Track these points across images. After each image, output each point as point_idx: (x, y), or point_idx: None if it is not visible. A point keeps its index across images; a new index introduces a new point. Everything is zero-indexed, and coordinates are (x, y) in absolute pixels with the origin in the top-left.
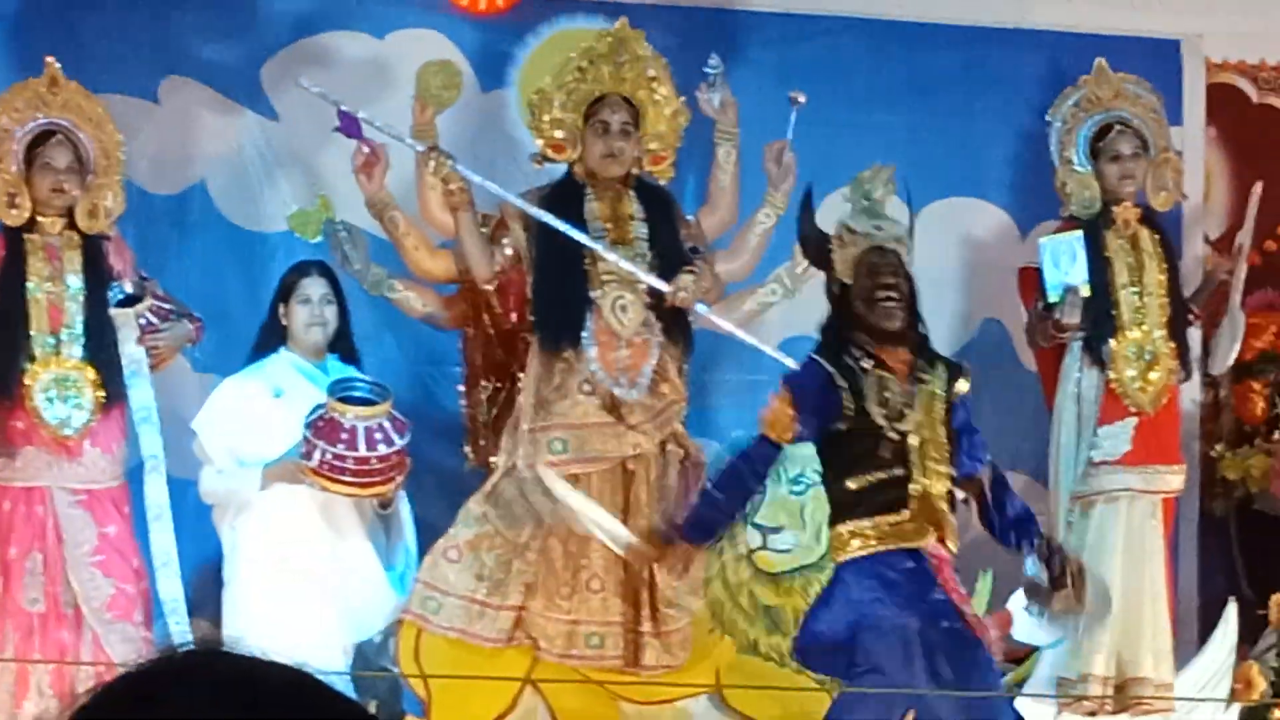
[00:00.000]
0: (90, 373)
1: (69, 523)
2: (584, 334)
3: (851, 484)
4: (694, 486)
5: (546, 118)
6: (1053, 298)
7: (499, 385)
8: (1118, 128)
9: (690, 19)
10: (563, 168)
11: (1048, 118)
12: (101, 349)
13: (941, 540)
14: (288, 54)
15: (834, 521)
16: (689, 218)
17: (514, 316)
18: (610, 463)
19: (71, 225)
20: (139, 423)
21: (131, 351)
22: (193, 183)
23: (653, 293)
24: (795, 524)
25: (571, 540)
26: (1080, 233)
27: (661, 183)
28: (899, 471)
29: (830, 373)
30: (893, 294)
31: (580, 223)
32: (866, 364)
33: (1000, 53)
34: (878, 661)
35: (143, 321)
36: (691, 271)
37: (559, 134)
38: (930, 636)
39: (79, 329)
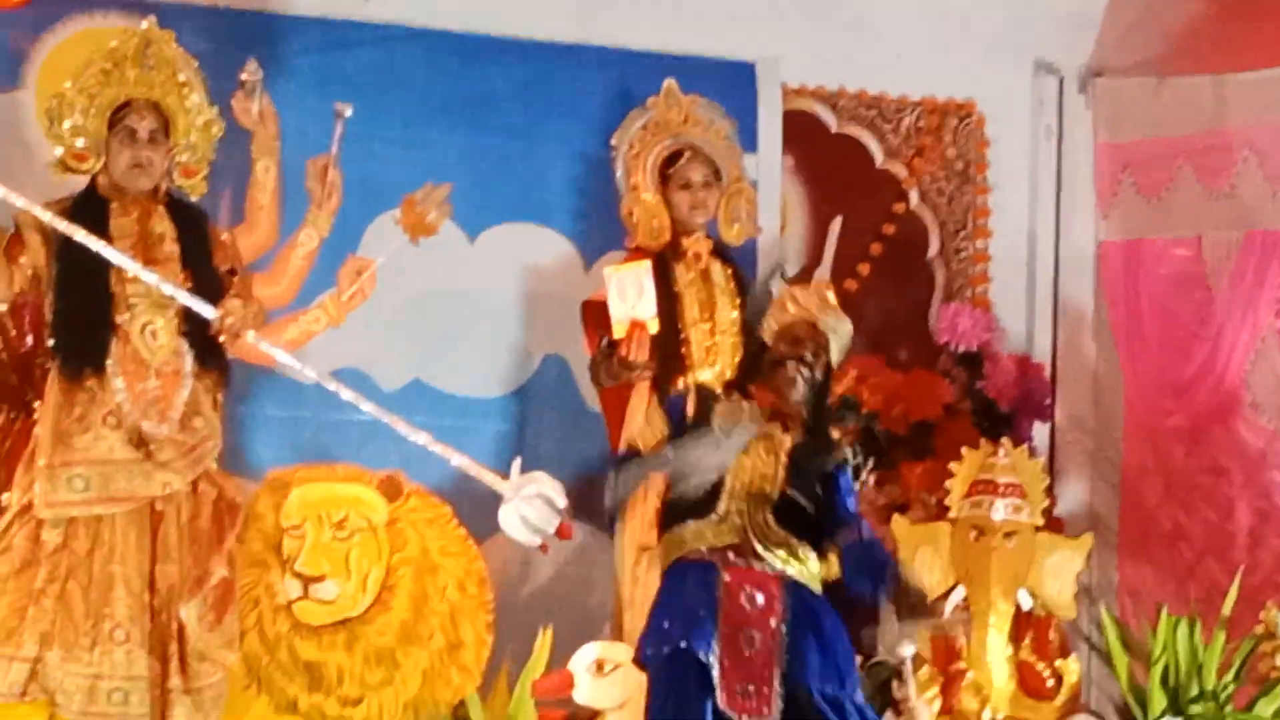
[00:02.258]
0: None
1: None
2: (109, 361)
3: None
4: (229, 529)
5: (67, 124)
6: (618, 333)
7: (12, 415)
8: (688, 154)
9: (226, 21)
10: (85, 179)
11: (613, 141)
12: None
13: None
14: None
15: None
16: (224, 236)
17: (30, 340)
18: (137, 503)
19: None
20: None
21: None
22: None
23: (187, 318)
24: (340, 572)
25: (94, 587)
26: (648, 264)
27: (194, 198)
28: None
29: None
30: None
31: (105, 239)
32: None
33: (563, 70)
34: None
35: None
36: (239, 296)
37: (80, 142)
38: None
39: None
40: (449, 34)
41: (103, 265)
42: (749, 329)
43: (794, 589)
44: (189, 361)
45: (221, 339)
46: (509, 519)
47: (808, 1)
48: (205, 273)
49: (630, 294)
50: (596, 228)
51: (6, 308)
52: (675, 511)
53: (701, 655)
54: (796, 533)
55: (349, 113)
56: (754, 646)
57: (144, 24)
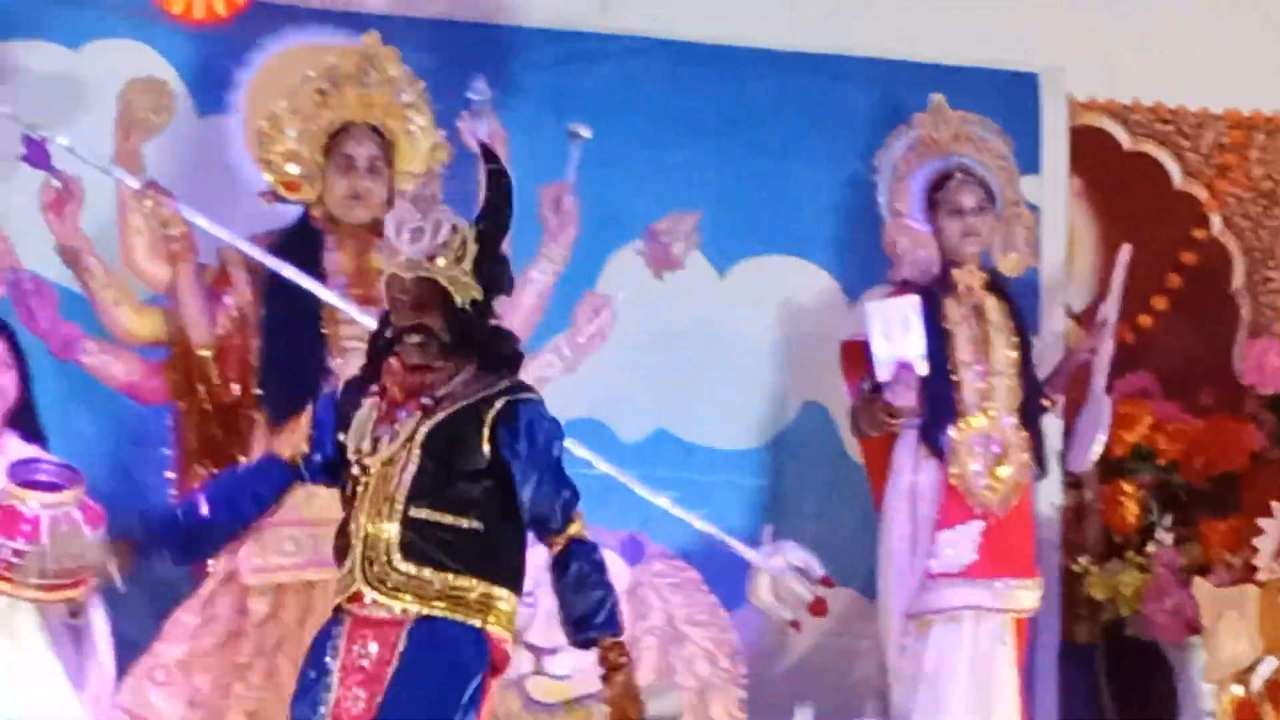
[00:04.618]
0: None
1: None
2: None
3: None
4: None
5: (278, 149)
6: (882, 376)
7: (216, 471)
8: (958, 176)
9: (451, 35)
10: (297, 210)
11: (874, 162)
12: None
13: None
14: None
15: None
16: None
17: (236, 388)
18: None
19: None
20: None
21: None
22: None
23: None
24: None
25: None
26: (915, 299)
27: None
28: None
29: None
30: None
31: (318, 276)
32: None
33: (822, 84)
34: None
35: None
36: None
37: (293, 169)
38: None
39: None
40: (695, 45)
41: (315, 305)
42: (1028, 370)
43: None
44: None
45: None
46: (759, 592)
47: (1096, 5)
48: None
49: (895, 333)
50: (859, 259)
51: (211, 353)
52: None
53: None
54: None
55: (586, 134)
56: None
57: (364, 40)
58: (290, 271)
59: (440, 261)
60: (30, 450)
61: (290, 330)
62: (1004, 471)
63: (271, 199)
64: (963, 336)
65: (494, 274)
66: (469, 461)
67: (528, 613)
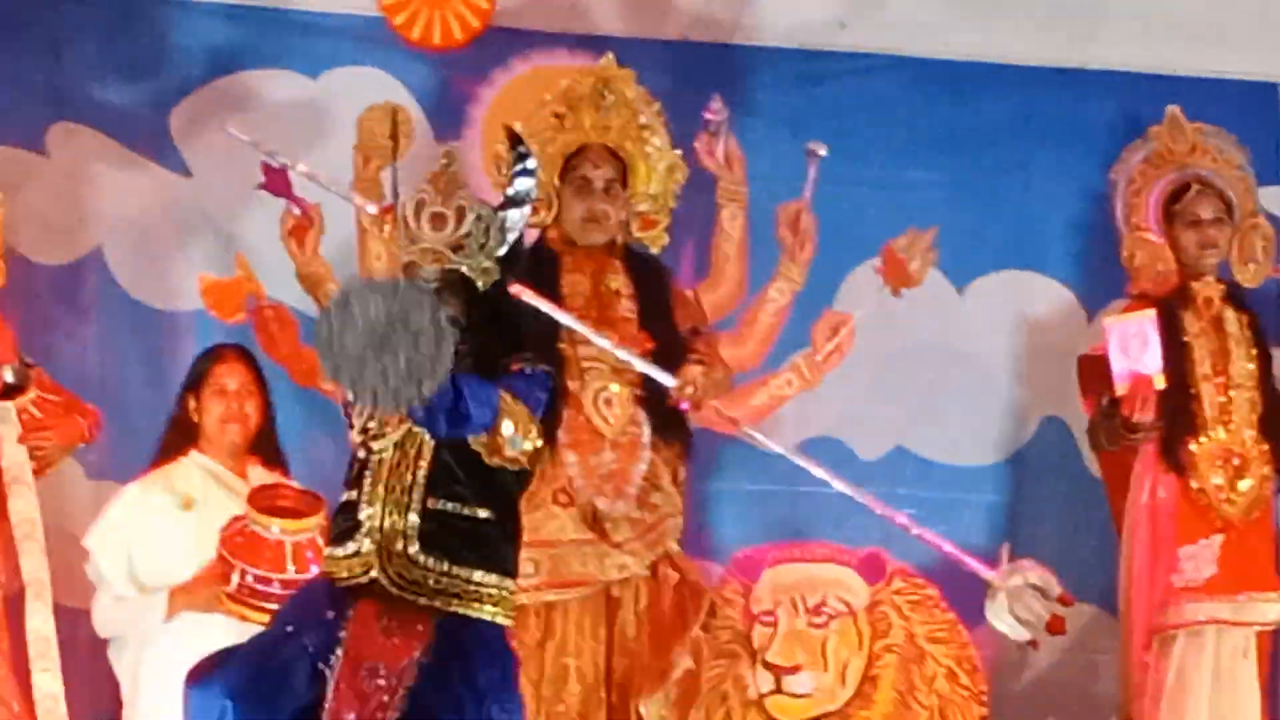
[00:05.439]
0: None
1: None
2: (560, 432)
3: None
4: (693, 617)
5: None
6: (1121, 391)
7: None
8: (1195, 187)
9: (687, 55)
10: (534, 232)
11: (1111, 176)
12: None
13: None
14: (202, 96)
15: None
16: (687, 293)
17: None
18: (591, 588)
19: None
20: (20, 539)
21: (11, 453)
22: (87, 250)
23: (643, 384)
24: (816, 663)
25: (545, 682)
26: (1153, 313)
27: (654, 251)
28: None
29: None
30: None
31: (555, 298)
32: None
33: (1059, 98)
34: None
35: (25, 417)
36: (701, 362)
37: None
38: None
39: None
40: (933, 61)
41: (553, 327)
42: (1268, 382)
43: None
44: (647, 432)
45: (683, 408)
46: (996, 612)
47: None
48: (665, 334)
49: (1133, 346)
50: (1098, 273)
51: None
52: None
53: None
54: None
55: (824, 152)
56: None
57: (600, 62)
58: (528, 294)
59: (463, 251)
60: (272, 476)
61: (529, 352)
62: (1244, 485)
63: None
64: (1201, 349)
65: (510, 256)
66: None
67: (767, 632)
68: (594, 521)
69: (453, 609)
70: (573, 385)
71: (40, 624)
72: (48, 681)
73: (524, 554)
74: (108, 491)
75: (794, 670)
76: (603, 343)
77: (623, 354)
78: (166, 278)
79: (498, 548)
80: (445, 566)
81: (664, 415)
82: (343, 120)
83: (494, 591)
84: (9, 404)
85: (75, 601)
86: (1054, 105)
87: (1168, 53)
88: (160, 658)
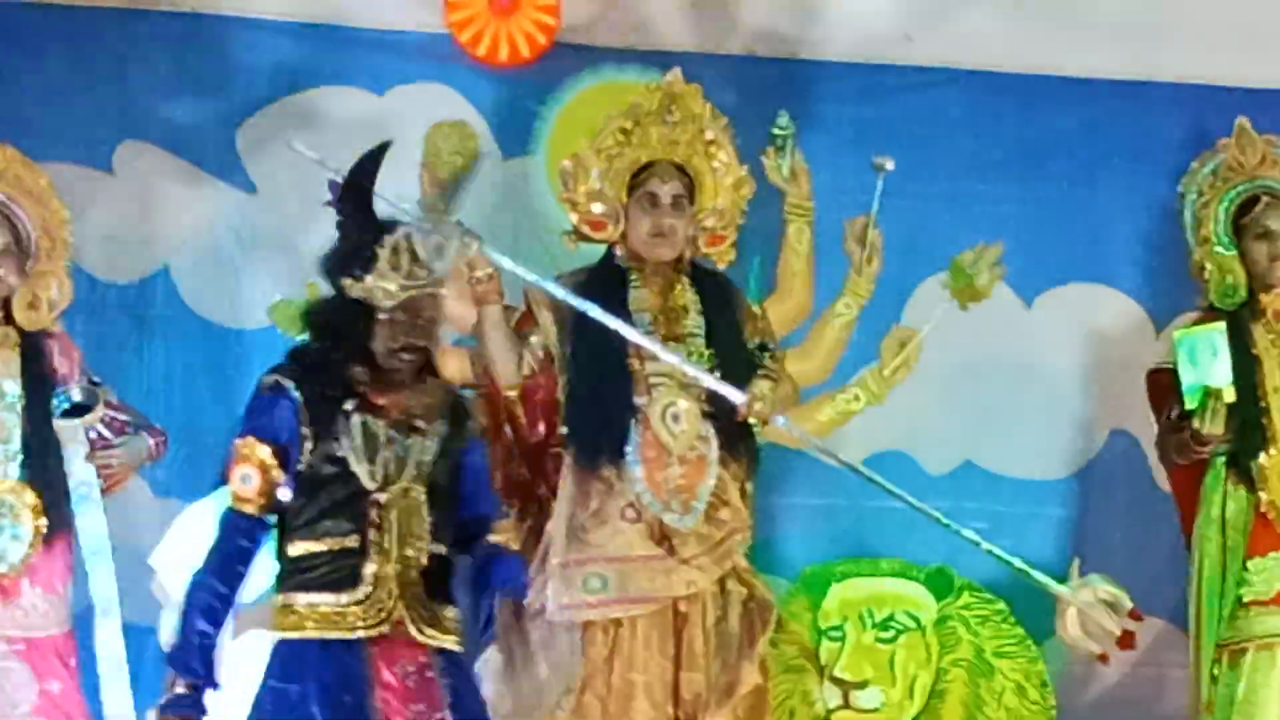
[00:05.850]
0: (29, 496)
1: (3, 677)
2: (628, 449)
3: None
4: (761, 632)
5: (582, 189)
6: (1190, 404)
7: (523, 510)
8: (1265, 199)
9: (755, 70)
10: (601, 249)
11: (1180, 188)
12: (43, 468)
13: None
14: (268, 114)
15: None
16: (754, 308)
17: (542, 427)
18: (659, 604)
19: (8, 320)
20: (89, 557)
21: (79, 471)
22: (154, 269)
23: (711, 399)
24: (884, 678)
25: (612, 698)
26: (1222, 325)
27: (721, 267)
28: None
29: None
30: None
31: (623, 314)
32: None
33: (1127, 110)
34: None
35: (93, 435)
36: (769, 377)
37: (597, 208)
38: None
39: (16, 444)
40: (1000, 74)
41: (620, 343)
42: None
43: None
44: (714, 447)
45: (750, 422)
46: (1066, 627)
47: None
48: (732, 349)
49: (1203, 359)
50: (1167, 286)
51: (516, 394)
52: None
53: None
54: None
55: (890, 166)
56: None
57: (667, 78)
58: (596, 311)
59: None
60: None
61: (597, 368)
62: None
63: (576, 239)
64: (1271, 362)
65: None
66: (456, 488)
67: (835, 647)
68: (661, 537)
69: (446, 647)
70: (640, 401)
71: (110, 642)
72: (118, 697)
73: (591, 569)
74: (174, 509)
75: (862, 686)
76: (671, 358)
77: (690, 369)
78: (233, 296)
79: (450, 583)
80: (444, 609)
81: (731, 430)
82: (409, 137)
83: (460, 626)
84: (77, 422)
85: (144, 619)
86: (1121, 118)
87: (1236, 64)
88: (227, 675)
